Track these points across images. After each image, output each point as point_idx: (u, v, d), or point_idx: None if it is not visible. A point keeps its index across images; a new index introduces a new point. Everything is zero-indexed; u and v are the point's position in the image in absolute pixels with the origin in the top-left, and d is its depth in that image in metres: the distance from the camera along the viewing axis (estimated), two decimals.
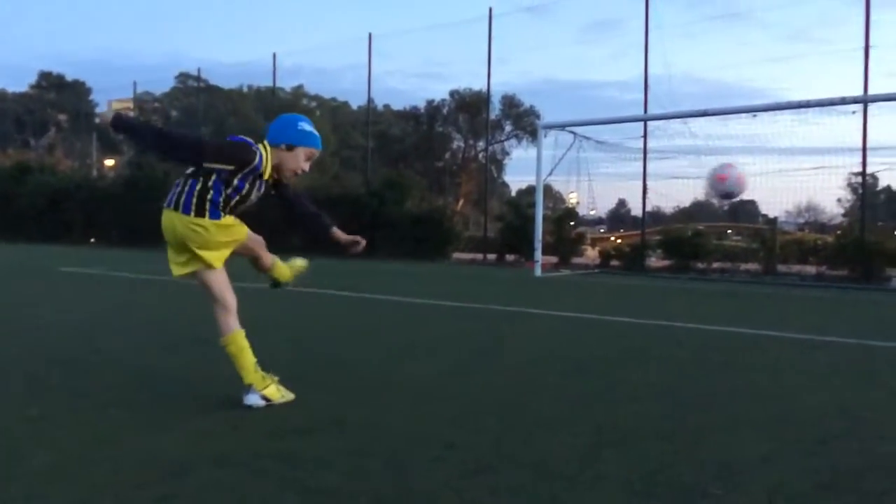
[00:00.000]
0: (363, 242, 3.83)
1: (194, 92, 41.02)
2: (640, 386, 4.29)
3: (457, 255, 23.32)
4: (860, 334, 6.81)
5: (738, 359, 5.42)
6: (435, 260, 21.06)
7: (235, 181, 3.44)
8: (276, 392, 3.55)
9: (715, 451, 2.97)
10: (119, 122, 3.44)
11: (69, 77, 56.10)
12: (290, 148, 3.56)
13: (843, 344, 6.25)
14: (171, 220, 3.43)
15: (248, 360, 3.53)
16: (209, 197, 3.38)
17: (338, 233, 3.78)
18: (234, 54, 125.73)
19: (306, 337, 6.03)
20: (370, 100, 27.12)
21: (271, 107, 34.04)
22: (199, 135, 3.77)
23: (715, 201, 11.17)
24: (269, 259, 3.88)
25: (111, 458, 2.71)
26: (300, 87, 50.92)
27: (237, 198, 3.47)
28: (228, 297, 3.58)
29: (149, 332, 5.95)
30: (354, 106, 47.88)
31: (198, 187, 3.39)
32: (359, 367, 4.69)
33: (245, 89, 48.92)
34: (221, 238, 3.47)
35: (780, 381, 4.55)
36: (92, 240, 29.33)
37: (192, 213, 3.38)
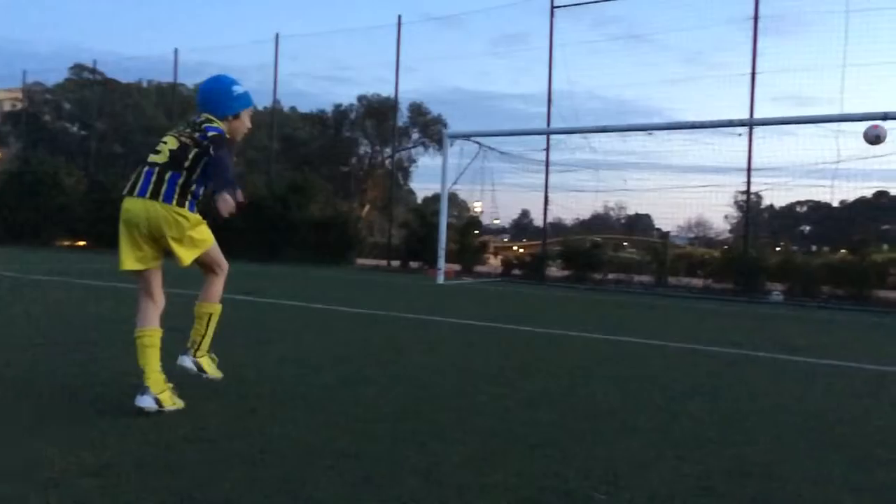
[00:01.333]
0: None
1: (89, 84, 39.22)
2: (534, 394, 4.40)
3: (360, 261, 23.22)
4: (740, 345, 7.21)
5: (629, 367, 5.64)
6: (338, 265, 20.90)
7: None
8: (169, 399, 3.45)
9: (601, 457, 3.09)
10: (234, 197, 3.39)
11: None
12: (236, 117, 3.70)
13: (725, 354, 6.59)
14: (150, 208, 3.39)
15: (155, 358, 3.46)
16: (192, 189, 3.47)
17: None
18: (134, 48, 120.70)
19: None
20: (276, 101, 26.73)
21: (172, 103, 32.98)
22: (231, 167, 3.73)
23: (870, 138, 11.99)
24: (217, 293, 3.80)
25: None
26: None
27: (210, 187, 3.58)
28: (161, 297, 3.61)
29: (27, 335, 5.65)
30: (260, 107, 46.89)
31: (180, 181, 3.44)
32: (254, 374, 4.60)
33: (145, 84, 47.14)
34: (196, 235, 3.51)
35: (665, 389, 4.76)
36: None
37: (174, 203, 3.40)
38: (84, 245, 26.15)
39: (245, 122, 3.76)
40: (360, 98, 45.48)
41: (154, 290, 3.57)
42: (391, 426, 3.42)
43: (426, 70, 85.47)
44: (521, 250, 26.40)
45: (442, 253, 16.21)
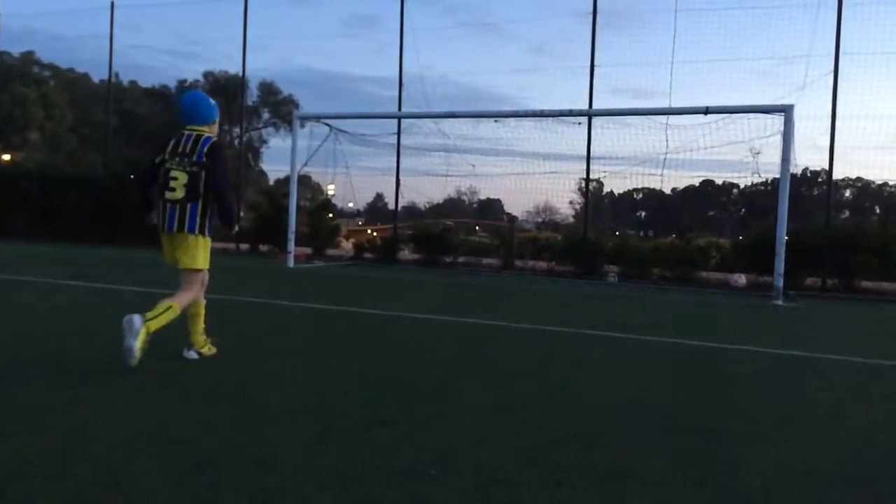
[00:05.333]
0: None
1: None
2: (376, 375, 4.44)
3: None
4: (577, 324, 7.60)
5: (471, 347, 5.81)
6: None
7: None
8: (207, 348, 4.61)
9: (436, 435, 3.17)
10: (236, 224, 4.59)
11: None
12: (213, 122, 4.53)
13: (561, 333, 6.93)
14: (176, 237, 4.39)
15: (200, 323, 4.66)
16: (208, 214, 4.38)
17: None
18: None
19: (27, 330, 5.46)
20: (113, 74, 25.10)
21: None
22: (231, 192, 4.83)
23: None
24: (183, 301, 4.57)
25: None
26: (31, 52, 45.77)
27: None
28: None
29: None
30: (96, 79, 43.93)
31: (199, 210, 4.33)
32: (82, 362, 4.35)
33: None
34: (201, 254, 4.47)
35: (503, 368, 4.95)
36: None
37: (197, 232, 4.36)
38: None
39: (217, 124, 4.58)
40: (207, 74, 43.76)
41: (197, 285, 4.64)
42: (227, 412, 3.36)
43: (277, 49, 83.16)
44: (375, 234, 26.40)
45: (292, 236, 15.92)
